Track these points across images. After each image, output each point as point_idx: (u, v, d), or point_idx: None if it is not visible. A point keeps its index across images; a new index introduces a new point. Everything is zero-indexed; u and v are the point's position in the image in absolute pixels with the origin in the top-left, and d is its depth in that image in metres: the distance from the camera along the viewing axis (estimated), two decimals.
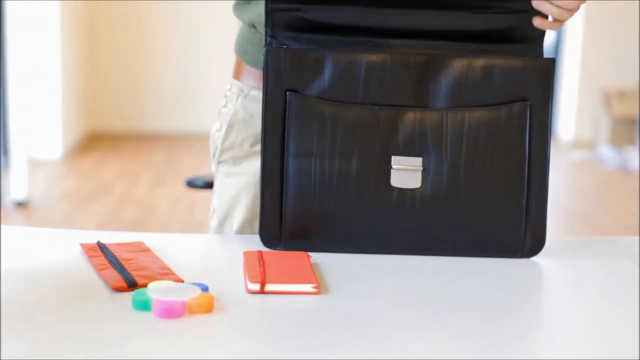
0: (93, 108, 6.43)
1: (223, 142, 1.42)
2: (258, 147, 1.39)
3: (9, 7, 4.83)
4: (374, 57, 1.20)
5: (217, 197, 1.44)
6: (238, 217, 1.40)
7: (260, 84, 1.38)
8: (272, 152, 1.22)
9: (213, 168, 1.46)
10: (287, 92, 1.21)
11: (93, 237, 1.29)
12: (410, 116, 1.21)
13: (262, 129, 1.23)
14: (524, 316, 1.05)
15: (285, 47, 1.22)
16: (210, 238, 1.38)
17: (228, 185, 1.42)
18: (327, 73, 1.20)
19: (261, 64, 1.37)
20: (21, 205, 4.36)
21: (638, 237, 1.34)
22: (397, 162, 1.21)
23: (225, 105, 1.44)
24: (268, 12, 1.25)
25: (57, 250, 1.23)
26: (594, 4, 6.48)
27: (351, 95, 1.21)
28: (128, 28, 6.42)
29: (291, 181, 1.21)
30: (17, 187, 4.46)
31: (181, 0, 6.30)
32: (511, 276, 1.18)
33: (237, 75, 1.44)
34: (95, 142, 6.15)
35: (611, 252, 1.30)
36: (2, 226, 1.25)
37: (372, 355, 0.91)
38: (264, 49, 1.22)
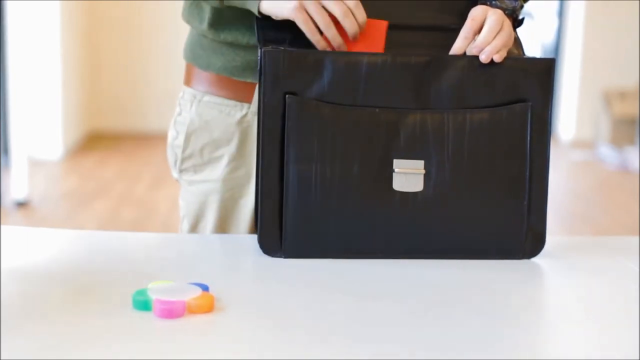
0: (93, 108, 6.43)
1: (183, 151, 1.42)
2: (217, 153, 1.40)
3: (9, 7, 4.83)
4: (374, 58, 1.19)
5: (185, 204, 1.44)
6: (210, 220, 1.41)
7: (212, 89, 1.38)
8: (270, 157, 1.19)
9: (175, 175, 1.46)
10: (286, 95, 1.18)
11: (93, 237, 1.29)
12: (412, 118, 1.20)
13: (258, 133, 1.21)
14: (524, 316, 1.05)
15: (282, 48, 1.19)
16: (211, 238, 1.38)
17: (193, 192, 1.42)
18: (327, 75, 1.18)
19: (213, 67, 1.38)
20: (21, 205, 4.36)
21: (638, 237, 1.34)
22: (399, 165, 1.20)
23: (180, 114, 1.43)
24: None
25: (57, 250, 1.23)
26: (594, 4, 6.48)
27: (351, 97, 1.19)
28: (128, 28, 6.43)
29: (291, 187, 1.19)
30: (17, 187, 4.46)
31: (181, 0, 6.29)
32: (511, 277, 1.18)
33: (188, 81, 1.43)
34: (95, 142, 6.15)
35: (611, 252, 1.30)
36: (2, 226, 1.25)
37: (374, 355, 0.91)
38: (260, 50, 1.20)
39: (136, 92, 6.53)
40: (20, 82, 4.79)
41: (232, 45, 1.35)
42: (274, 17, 1.22)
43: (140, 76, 6.51)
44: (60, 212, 4.37)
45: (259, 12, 1.23)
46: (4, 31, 4.92)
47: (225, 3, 1.27)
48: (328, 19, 1.20)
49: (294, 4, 1.20)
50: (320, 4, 1.20)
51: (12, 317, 0.96)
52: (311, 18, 1.20)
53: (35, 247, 1.24)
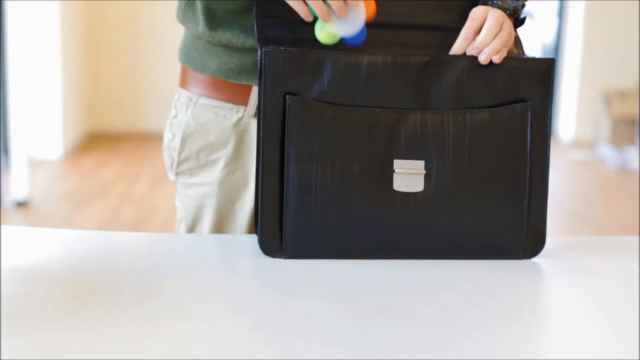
0: (93, 108, 6.43)
1: (179, 154, 1.40)
2: (214, 156, 1.39)
3: (9, 7, 4.83)
4: (374, 59, 1.19)
5: (182, 207, 1.44)
6: (207, 223, 1.40)
7: (208, 91, 1.37)
8: (270, 158, 1.19)
9: (172, 178, 1.45)
10: (287, 96, 1.18)
11: (93, 237, 1.29)
12: (412, 118, 1.20)
13: (258, 134, 1.20)
14: (524, 316, 1.05)
15: (282, 48, 1.19)
16: (211, 238, 1.38)
17: (190, 195, 1.42)
18: (327, 75, 1.18)
19: (208, 69, 1.37)
20: (21, 205, 4.36)
21: (638, 237, 1.34)
22: (399, 165, 1.20)
23: (175, 116, 1.42)
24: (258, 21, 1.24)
25: (57, 250, 1.23)
26: (594, 4, 6.48)
27: (352, 97, 1.19)
28: (128, 28, 6.43)
29: (292, 188, 1.18)
30: (17, 187, 4.46)
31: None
32: (511, 277, 1.18)
33: (183, 83, 1.43)
34: (95, 142, 6.15)
35: (611, 252, 1.30)
36: (2, 226, 1.26)
37: (375, 354, 0.91)
38: (260, 50, 1.19)
39: (136, 92, 6.54)
40: (20, 82, 4.78)
41: (227, 47, 1.35)
42: None
43: (140, 76, 6.51)
44: (60, 212, 4.37)
45: None
46: (4, 31, 4.92)
47: None
48: None
49: None
50: None
51: (12, 317, 0.96)
52: None
53: (35, 247, 1.24)
